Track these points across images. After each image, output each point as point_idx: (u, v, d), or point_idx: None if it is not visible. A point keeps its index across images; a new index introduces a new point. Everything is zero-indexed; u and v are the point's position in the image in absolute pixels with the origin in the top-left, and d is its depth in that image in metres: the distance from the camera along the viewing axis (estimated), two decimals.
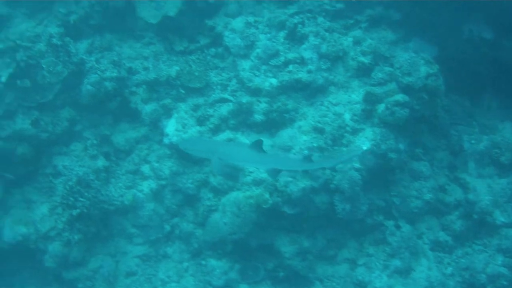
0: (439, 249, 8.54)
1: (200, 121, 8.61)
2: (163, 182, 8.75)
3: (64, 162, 8.82)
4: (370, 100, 8.23)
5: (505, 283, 8.17)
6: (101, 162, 8.85)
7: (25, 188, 9.16)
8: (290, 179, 8.06)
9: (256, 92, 8.56)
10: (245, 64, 8.73)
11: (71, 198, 8.39)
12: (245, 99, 8.52)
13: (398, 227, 8.43)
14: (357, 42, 8.70)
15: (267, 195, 8.07)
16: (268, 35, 8.82)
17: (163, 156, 8.80)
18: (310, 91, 8.58)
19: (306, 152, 7.94)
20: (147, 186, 8.80)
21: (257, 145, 7.05)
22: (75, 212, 8.38)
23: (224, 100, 8.67)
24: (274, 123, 8.50)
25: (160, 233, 8.85)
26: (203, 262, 8.62)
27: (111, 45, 9.27)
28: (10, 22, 9.36)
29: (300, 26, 8.74)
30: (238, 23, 8.86)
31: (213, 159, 7.15)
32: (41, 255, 8.75)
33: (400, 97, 8.06)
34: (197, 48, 9.09)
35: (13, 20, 9.35)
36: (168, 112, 8.72)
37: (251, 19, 8.91)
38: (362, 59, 8.58)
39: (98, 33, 9.31)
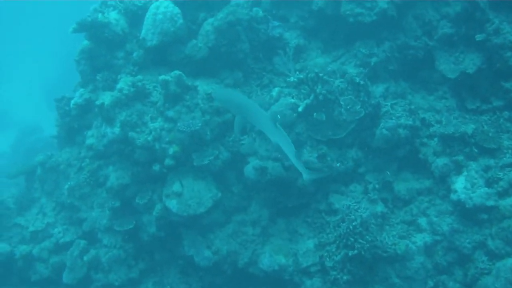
0: None
1: (489, 183, 8.48)
2: (438, 238, 8.59)
3: (342, 201, 8.74)
4: None
5: None
6: (379, 208, 8.73)
7: (292, 219, 9.14)
8: None
9: None
10: None
11: (351, 239, 8.30)
12: None
13: None
14: None
15: None
16: None
17: (444, 212, 8.63)
18: None
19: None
20: (421, 239, 8.64)
21: (274, 119, 7.66)
22: (351, 253, 8.28)
23: None
24: None
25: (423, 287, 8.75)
26: None
27: (404, 93, 9.25)
28: (305, 53, 9.49)
29: None
30: None
31: (237, 117, 7.94)
32: None
33: None
34: (489, 109, 9.01)
35: (308, 52, 9.45)
36: (458, 169, 8.59)
37: None
38: None
39: (393, 79, 9.32)
